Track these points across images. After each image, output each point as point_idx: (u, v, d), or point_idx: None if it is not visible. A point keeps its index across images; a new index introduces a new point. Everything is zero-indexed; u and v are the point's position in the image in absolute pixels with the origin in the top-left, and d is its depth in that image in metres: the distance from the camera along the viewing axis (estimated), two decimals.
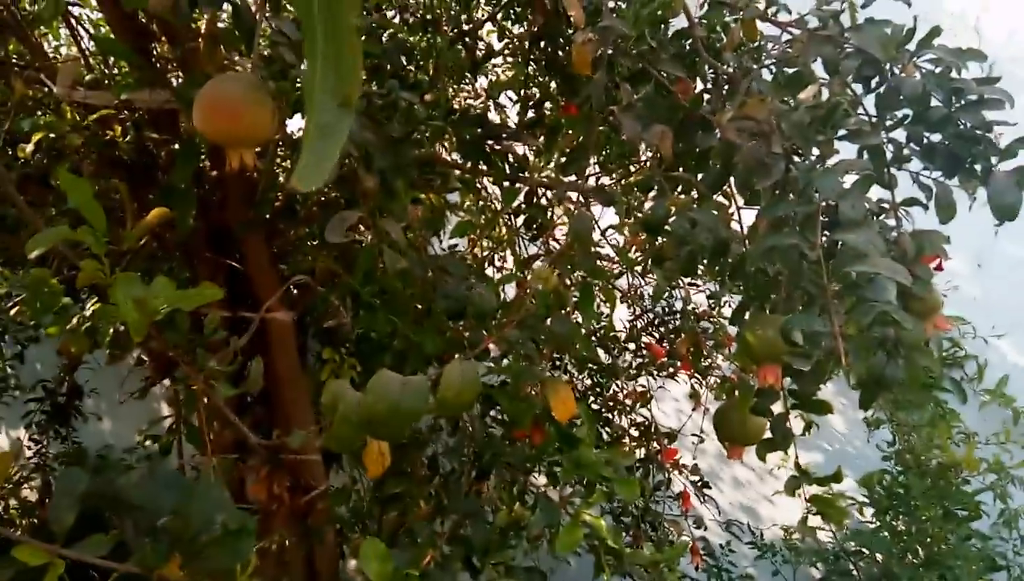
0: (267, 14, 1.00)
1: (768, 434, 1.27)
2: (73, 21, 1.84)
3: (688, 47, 1.45)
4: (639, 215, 1.96)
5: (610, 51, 1.30)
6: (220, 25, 1.32)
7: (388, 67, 1.52)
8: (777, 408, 1.25)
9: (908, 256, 1.08)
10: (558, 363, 2.29)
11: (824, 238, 1.02)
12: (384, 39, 1.46)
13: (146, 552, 0.68)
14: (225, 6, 1.07)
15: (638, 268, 2.29)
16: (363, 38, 1.16)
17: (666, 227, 1.24)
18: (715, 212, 1.25)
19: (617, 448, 1.61)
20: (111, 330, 1.72)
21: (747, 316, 1.39)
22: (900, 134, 1.20)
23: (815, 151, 1.16)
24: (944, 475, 2.34)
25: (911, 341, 1.01)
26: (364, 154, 1.00)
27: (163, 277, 0.92)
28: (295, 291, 1.97)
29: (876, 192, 1.20)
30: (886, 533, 2.34)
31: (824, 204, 1.05)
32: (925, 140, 1.17)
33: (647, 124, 1.25)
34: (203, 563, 0.67)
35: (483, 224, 2.01)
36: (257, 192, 1.74)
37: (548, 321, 1.17)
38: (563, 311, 1.24)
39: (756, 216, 1.23)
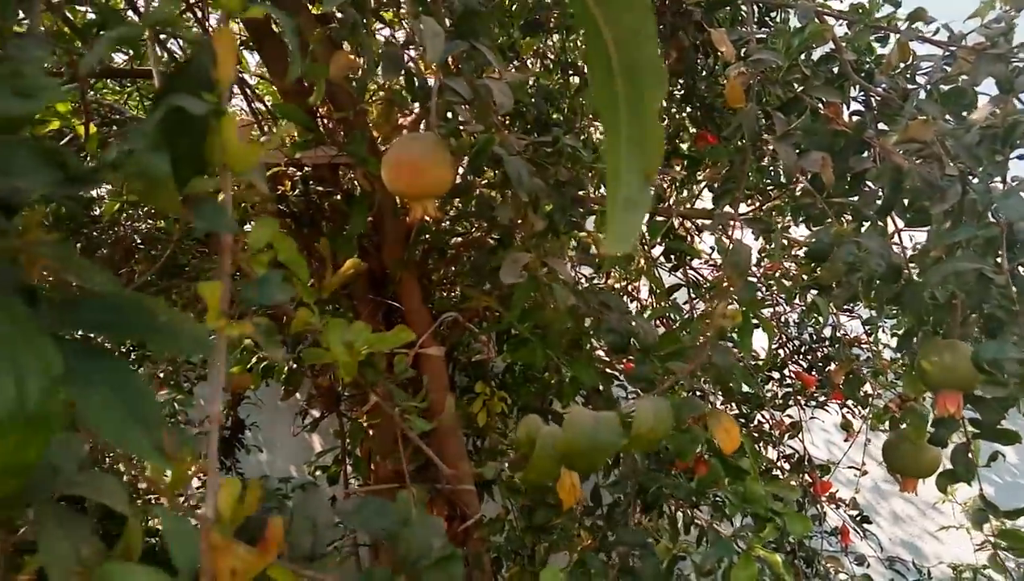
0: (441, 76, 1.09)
1: (948, 465, 1.22)
2: (247, 88, 2.04)
3: (836, 71, 1.44)
4: (784, 241, 1.92)
5: (757, 80, 1.30)
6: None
7: (533, 111, 1.60)
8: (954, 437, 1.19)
9: None
10: (700, 393, 2.26)
11: (1004, 258, 0.98)
12: (529, 87, 1.54)
13: (374, 575, 0.74)
14: None
15: (782, 294, 2.24)
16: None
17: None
18: (880, 236, 1.22)
19: (781, 481, 1.58)
20: (285, 369, 1.88)
21: (916, 342, 1.33)
22: None
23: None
24: None
25: None
26: (534, 199, 1.06)
27: (360, 322, 1.01)
28: (443, 327, 2.07)
29: None
30: None
31: (1006, 225, 1.01)
32: None
33: (803, 151, 1.25)
34: None
35: (625, 256, 2.03)
36: (410, 235, 1.85)
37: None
38: (722, 342, 1.24)
39: (927, 240, 1.19)
